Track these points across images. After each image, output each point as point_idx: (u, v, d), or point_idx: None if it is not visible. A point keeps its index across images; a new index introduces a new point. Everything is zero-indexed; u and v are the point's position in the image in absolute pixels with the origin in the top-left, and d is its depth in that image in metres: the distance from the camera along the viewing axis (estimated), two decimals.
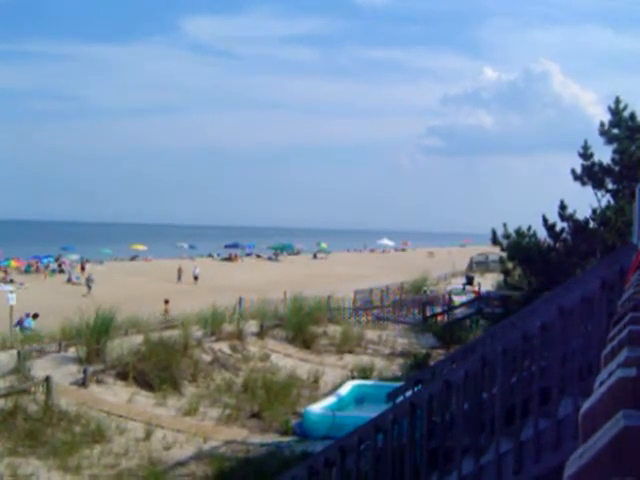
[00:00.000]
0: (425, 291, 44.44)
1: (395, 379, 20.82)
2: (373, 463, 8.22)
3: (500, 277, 35.04)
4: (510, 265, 29.58)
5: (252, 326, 26.73)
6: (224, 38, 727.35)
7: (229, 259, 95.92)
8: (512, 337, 7.34)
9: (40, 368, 18.63)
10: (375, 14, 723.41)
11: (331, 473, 8.75)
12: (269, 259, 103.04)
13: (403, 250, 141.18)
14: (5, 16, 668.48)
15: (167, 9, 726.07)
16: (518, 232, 26.95)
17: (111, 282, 61.29)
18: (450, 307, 35.65)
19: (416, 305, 36.68)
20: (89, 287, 57.91)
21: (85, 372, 18.73)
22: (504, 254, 28.56)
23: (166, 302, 40.76)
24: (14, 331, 29.37)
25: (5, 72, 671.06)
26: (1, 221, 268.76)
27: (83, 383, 18.56)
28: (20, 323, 32.90)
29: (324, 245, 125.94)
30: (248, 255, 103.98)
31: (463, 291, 45.45)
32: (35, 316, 33.65)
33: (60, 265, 73.68)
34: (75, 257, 79.47)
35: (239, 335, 25.02)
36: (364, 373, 22.50)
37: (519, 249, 26.67)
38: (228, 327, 25.32)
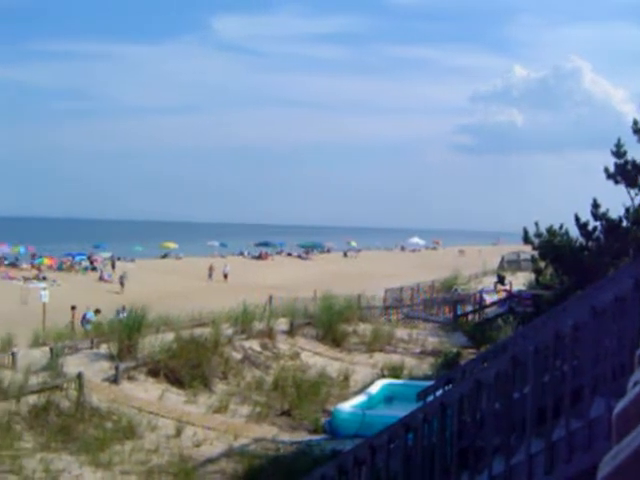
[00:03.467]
0: (456, 290, 44.21)
1: (425, 378, 20.74)
2: (403, 462, 8.20)
3: (532, 276, 34.76)
4: (542, 264, 29.34)
5: (282, 324, 26.76)
6: (252, 36, 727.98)
7: (260, 257, 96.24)
8: (544, 336, 7.28)
9: (72, 365, 18.80)
10: (404, 12, 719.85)
11: (361, 472, 8.74)
12: (299, 257, 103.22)
13: (434, 249, 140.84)
14: (34, 16, 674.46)
15: (196, 8, 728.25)
16: (550, 231, 26.71)
17: (142, 280, 61.71)
18: (481, 306, 35.45)
19: (447, 304, 36.53)
20: (122, 284, 58.42)
21: (117, 369, 18.87)
22: (536, 253, 28.33)
23: (73, 308, 40.50)
24: (83, 326, 30.14)
25: (33, 72, 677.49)
26: (34, 219, 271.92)
27: (115, 380, 18.70)
28: (83, 317, 33.68)
29: (354, 243, 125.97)
30: (279, 253, 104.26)
31: (494, 290, 45.13)
32: (97, 311, 34.26)
33: (92, 263, 74.33)
34: (107, 255, 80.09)
35: (269, 333, 25.07)
36: (394, 372, 22.44)
37: (551, 248, 26.43)
38: (258, 325, 25.37)
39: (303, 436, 17.05)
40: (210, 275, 70.65)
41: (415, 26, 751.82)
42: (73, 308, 39.87)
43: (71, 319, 37.26)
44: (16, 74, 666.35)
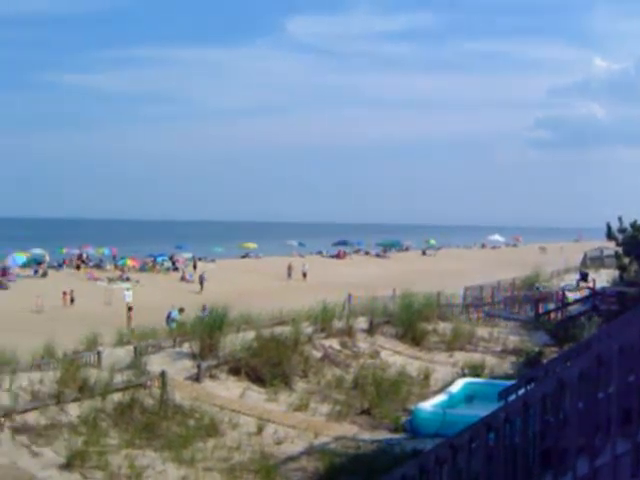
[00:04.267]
0: (537, 287, 43.52)
1: (507, 377, 20.50)
2: (484, 462, 8.12)
3: (616, 273, 33.99)
4: (626, 260, 28.69)
5: (361, 323, 26.79)
6: (326, 36, 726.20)
7: (338, 256, 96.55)
8: (629, 335, 7.12)
9: (156, 363, 19.17)
10: (478, 6, 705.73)
11: (442, 472, 8.68)
12: (377, 256, 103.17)
13: (514, 246, 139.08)
14: (115, 24, 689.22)
15: (270, 11, 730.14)
16: (634, 226, 26.12)
17: (223, 280, 62.57)
18: (564, 304, 34.81)
19: (528, 302, 36.00)
20: (201, 285, 59.29)
21: (199, 367, 19.15)
22: (619, 249, 27.72)
23: (129, 309, 40.91)
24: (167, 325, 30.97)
25: (115, 78, 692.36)
26: (117, 221, 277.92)
27: (197, 378, 18.98)
28: (168, 317, 34.63)
29: (433, 241, 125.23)
30: (356, 252, 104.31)
31: (577, 287, 44.29)
32: (181, 310, 35.15)
33: (174, 263, 75.59)
34: (188, 255, 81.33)
35: (349, 332, 25.12)
36: (475, 371, 22.23)
37: (635, 244, 25.85)
38: (338, 324, 25.45)
39: (383, 435, 17.02)
40: (289, 274, 71.28)
41: (490, 20, 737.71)
42: (130, 309, 40.82)
43: (128, 320, 38.14)
44: (96, 81, 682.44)
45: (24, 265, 66.44)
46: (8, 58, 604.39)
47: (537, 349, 25.14)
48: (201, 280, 60.44)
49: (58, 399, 15.70)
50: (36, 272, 64.76)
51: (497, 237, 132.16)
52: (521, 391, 11.42)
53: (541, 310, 33.21)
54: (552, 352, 24.36)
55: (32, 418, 14.95)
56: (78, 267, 69.96)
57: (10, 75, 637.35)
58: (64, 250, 79.85)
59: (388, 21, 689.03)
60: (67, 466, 13.31)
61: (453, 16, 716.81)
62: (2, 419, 14.36)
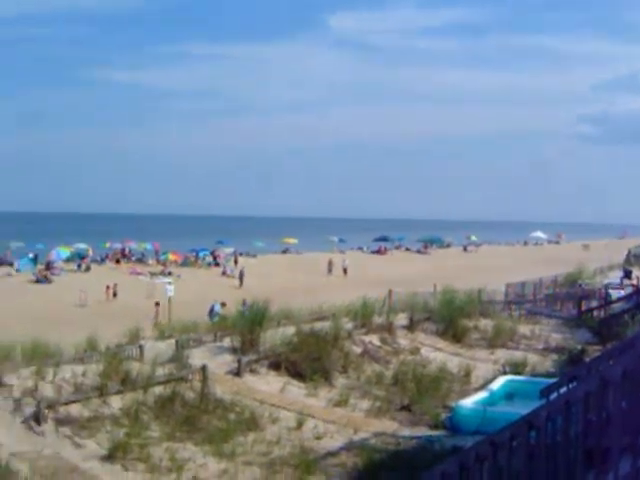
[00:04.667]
0: (580, 284, 43.06)
1: (548, 375, 20.30)
2: (525, 461, 8.05)
3: None
4: None
5: (402, 319, 26.72)
6: (369, 32, 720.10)
7: (378, 252, 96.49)
8: None
9: (197, 357, 19.32)
10: (521, 0, 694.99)
11: (482, 468, 8.63)
12: (418, 252, 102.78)
13: (557, 243, 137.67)
14: (162, 20, 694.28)
15: (313, 7, 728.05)
16: None
17: (264, 274, 62.76)
18: (607, 301, 34.40)
19: (571, 299, 35.64)
20: (241, 280, 59.53)
21: (239, 362, 19.25)
22: None
23: (157, 304, 40.75)
24: (209, 319, 31.30)
25: (162, 74, 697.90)
26: (160, 216, 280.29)
27: (237, 372, 19.09)
28: (211, 311, 34.89)
29: (474, 238, 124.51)
30: (397, 248, 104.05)
31: (621, 285, 43.72)
32: (223, 304, 35.43)
33: (215, 258, 75.98)
34: (229, 250, 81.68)
35: (389, 328, 25.07)
36: (516, 368, 22.05)
37: None
38: (378, 319, 25.41)
39: (423, 431, 16.94)
40: (330, 270, 71.25)
41: (534, 15, 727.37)
42: (157, 304, 40.91)
43: (155, 315, 38.26)
44: (141, 77, 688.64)
45: (68, 259, 67.14)
46: (59, 55, 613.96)
47: (580, 347, 24.87)
48: (241, 275, 60.71)
49: (101, 391, 15.90)
50: (79, 266, 65.41)
51: (539, 234, 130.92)
52: (563, 389, 11.31)
53: (584, 308, 32.86)
54: (595, 350, 24.07)
55: (75, 410, 15.16)
56: (118, 261, 70.62)
57: (61, 72, 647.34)
58: (107, 245, 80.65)
59: (431, 16, 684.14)
60: (109, 457, 13.49)
61: (496, 11, 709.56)
62: (46, 411, 14.58)
